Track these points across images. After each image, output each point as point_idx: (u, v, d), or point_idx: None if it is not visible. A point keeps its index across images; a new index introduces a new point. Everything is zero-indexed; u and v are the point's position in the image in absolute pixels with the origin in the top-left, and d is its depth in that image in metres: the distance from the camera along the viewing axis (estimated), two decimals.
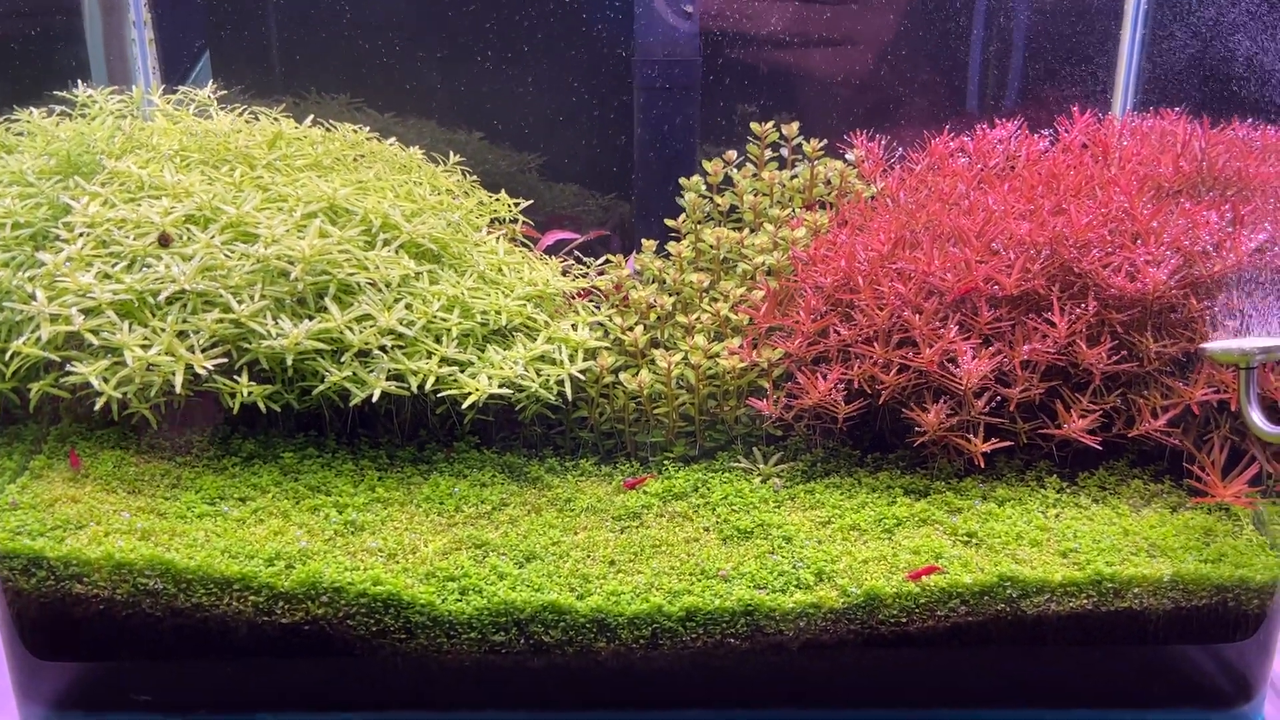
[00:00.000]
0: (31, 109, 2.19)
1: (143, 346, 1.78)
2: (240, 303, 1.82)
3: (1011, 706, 1.79)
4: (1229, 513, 1.81)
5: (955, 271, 1.88)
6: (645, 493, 1.93)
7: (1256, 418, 1.66)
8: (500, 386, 1.90)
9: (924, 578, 1.67)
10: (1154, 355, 1.83)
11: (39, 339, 1.77)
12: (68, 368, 1.78)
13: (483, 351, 1.96)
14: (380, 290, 1.91)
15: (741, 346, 2.02)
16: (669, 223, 2.30)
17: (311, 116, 2.31)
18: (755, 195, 2.31)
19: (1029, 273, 1.86)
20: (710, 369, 2.04)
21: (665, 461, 2.03)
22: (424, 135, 2.56)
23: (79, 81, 2.23)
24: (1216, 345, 1.69)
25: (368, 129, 2.33)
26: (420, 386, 1.86)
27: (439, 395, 1.90)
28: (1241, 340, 1.69)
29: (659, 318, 2.14)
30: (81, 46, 2.55)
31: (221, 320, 1.81)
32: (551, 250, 2.37)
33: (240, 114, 2.26)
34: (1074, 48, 2.53)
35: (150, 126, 2.15)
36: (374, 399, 1.83)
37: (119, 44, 2.53)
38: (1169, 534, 1.75)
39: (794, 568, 1.72)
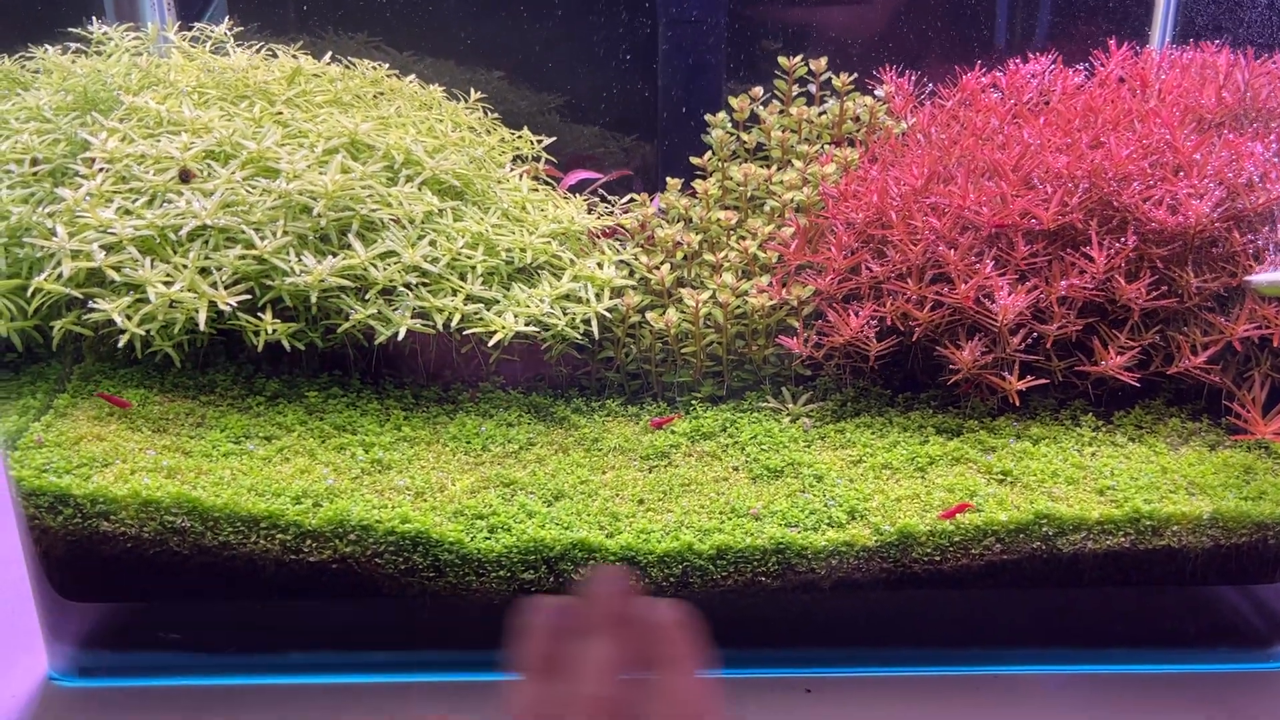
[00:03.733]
0: (46, 46, 2.15)
1: (165, 283, 1.75)
2: (263, 239, 1.79)
3: (1045, 646, 1.78)
4: (1269, 451, 1.77)
5: (991, 205, 1.83)
6: (673, 432, 1.91)
7: None
8: (526, 324, 1.87)
9: (958, 516, 1.65)
10: (1194, 290, 1.79)
11: (60, 275, 1.74)
12: (90, 305, 1.76)
13: (508, 290, 1.93)
14: (404, 227, 1.88)
15: (771, 284, 1.98)
16: (695, 160, 2.25)
17: (330, 54, 2.26)
18: (783, 131, 2.26)
19: (1067, 206, 1.82)
20: (738, 307, 2.00)
21: (692, 401, 2.01)
22: (442, 74, 2.51)
23: (93, 18, 2.19)
24: (1263, 278, 1.65)
25: (387, 66, 2.28)
26: (446, 324, 1.84)
27: (464, 334, 1.87)
28: None
29: (685, 256, 2.10)
30: None
31: (244, 256, 1.78)
32: (574, 190, 2.33)
33: (257, 51, 2.22)
34: None
35: (167, 63, 2.11)
36: (399, 337, 1.81)
37: None
38: (1208, 472, 1.72)
39: (826, 506, 1.69)
